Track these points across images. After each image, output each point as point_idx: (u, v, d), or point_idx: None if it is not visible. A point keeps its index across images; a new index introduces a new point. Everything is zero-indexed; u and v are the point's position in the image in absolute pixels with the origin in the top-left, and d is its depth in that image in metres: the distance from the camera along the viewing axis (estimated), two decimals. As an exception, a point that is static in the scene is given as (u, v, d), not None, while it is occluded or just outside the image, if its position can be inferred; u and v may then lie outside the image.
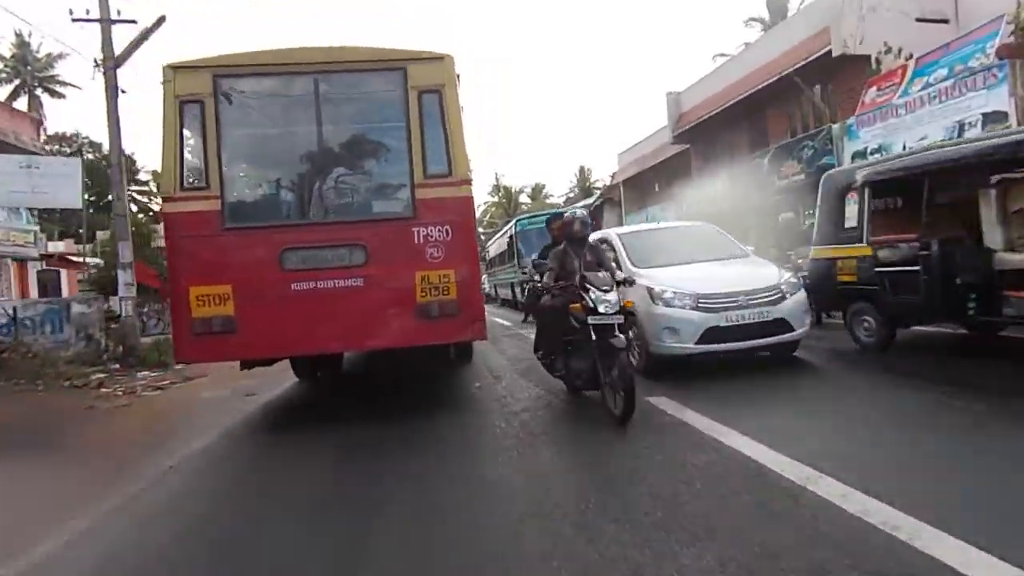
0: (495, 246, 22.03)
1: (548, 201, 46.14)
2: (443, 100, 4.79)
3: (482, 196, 49.56)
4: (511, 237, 17.16)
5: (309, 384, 7.00)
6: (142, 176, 35.83)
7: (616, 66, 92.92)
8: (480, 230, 44.93)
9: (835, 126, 12.33)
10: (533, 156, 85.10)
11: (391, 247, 4.73)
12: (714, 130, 17.82)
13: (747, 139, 17.13)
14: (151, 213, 31.95)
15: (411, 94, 4.76)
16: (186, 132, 4.75)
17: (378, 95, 4.95)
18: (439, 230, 4.75)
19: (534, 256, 10.21)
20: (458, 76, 4.91)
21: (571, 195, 44.92)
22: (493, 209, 48.19)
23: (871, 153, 10.80)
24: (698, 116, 17.96)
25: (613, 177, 27.05)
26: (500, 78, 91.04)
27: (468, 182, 4.92)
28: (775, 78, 14.03)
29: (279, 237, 4.74)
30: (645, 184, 24.33)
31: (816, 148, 12.75)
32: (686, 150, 20.29)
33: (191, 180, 4.75)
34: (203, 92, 4.70)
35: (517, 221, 17.22)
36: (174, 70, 4.80)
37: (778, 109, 15.60)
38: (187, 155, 4.74)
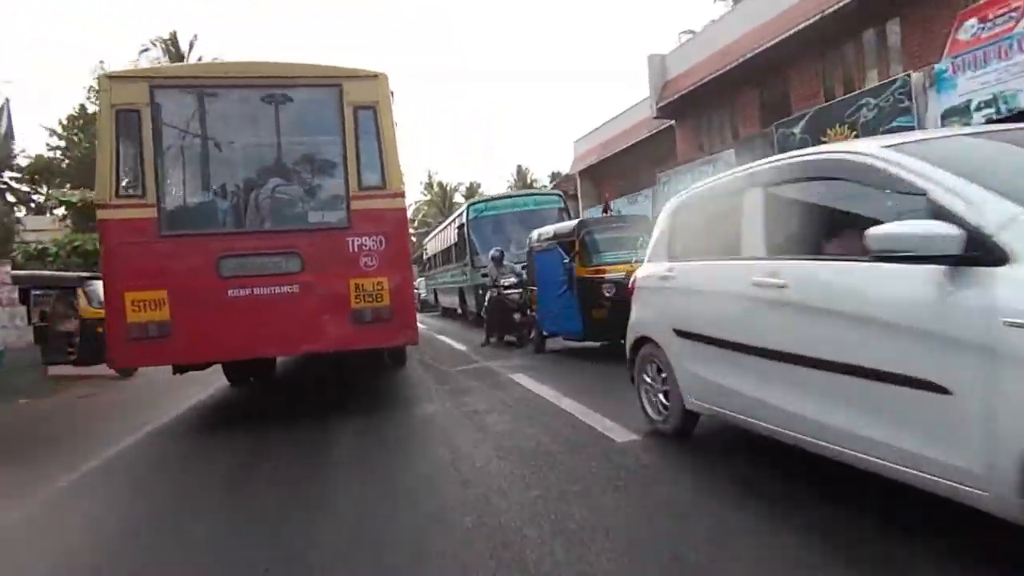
0: (436, 241, 18.67)
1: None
2: (378, 116, 5.04)
3: (414, 195, 48.63)
4: (461, 228, 13.45)
5: (239, 388, 7.12)
6: (22, 161, 29.32)
7: (560, 59, 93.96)
8: (412, 229, 44.77)
9: (915, 74, 9.66)
10: (468, 154, 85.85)
11: (326, 255, 4.94)
12: (710, 99, 15.28)
13: (757, 108, 14.44)
14: (33, 205, 29.20)
15: (347, 110, 4.99)
16: (122, 141, 4.83)
17: (315, 110, 5.16)
18: (373, 240, 5.00)
19: (495, 251, 9.28)
20: (392, 93, 5.17)
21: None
22: (426, 208, 47.54)
23: (979, 108, 8.56)
24: (691, 82, 15.13)
25: (572, 167, 24.85)
26: (434, 72, 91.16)
27: (401, 194, 5.19)
28: (814, 19, 11.19)
29: (216, 244, 4.88)
30: (609, 174, 21.78)
31: (884, 107, 9.97)
32: (665, 130, 17.79)
33: (127, 188, 4.84)
34: (139, 102, 4.80)
35: (471, 206, 13.41)
36: (110, 79, 4.90)
37: (806, 66, 12.82)
38: (123, 163, 4.82)
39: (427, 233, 34.47)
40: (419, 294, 22.89)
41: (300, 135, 5.27)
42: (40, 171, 27.90)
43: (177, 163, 5.08)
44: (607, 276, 6.56)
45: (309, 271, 4.89)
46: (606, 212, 16.47)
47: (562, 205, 13.19)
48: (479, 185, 49.34)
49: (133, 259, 4.76)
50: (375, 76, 5.09)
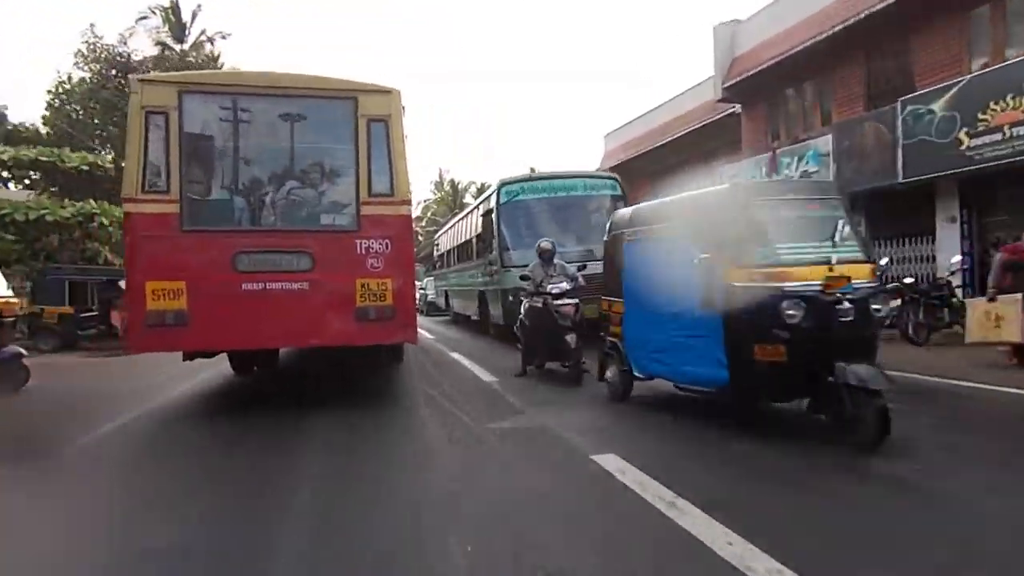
0: (451, 235, 15.60)
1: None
2: (389, 129, 5.42)
3: (424, 193, 47.85)
4: (489, 216, 10.54)
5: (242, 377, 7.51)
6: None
7: (574, 57, 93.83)
8: (420, 227, 43.46)
9: None
10: (479, 154, 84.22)
11: (335, 256, 5.31)
12: (797, 75, 12.75)
13: (862, 84, 11.71)
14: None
15: (360, 121, 5.37)
16: (150, 140, 5.18)
17: (330, 120, 5.52)
18: (379, 243, 5.37)
19: (546, 242, 6.92)
20: (404, 108, 5.55)
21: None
22: (436, 206, 46.19)
23: None
24: (774, 55, 12.52)
25: (601, 163, 21.71)
26: (443, 71, 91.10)
27: (408, 202, 5.57)
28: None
29: (233, 241, 5.25)
30: (645, 172, 19.04)
31: None
32: (718, 122, 15.49)
33: (152, 184, 5.19)
34: (168, 105, 5.17)
35: (504, 188, 10.21)
36: (141, 83, 5.27)
37: (943, 25, 10.11)
38: (151, 161, 5.17)
39: (436, 231, 33.92)
40: (425, 295, 21.36)
41: (316, 143, 5.63)
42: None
43: (200, 163, 5.42)
44: (788, 286, 3.81)
45: (319, 270, 5.26)
46: (772, 173, 12.20)
47: (619, 191, 10.25)
48: (489, 186, 48.05)
49: (155, 251, 5.11)
50: (388, 91, 5.47)
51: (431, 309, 20.53)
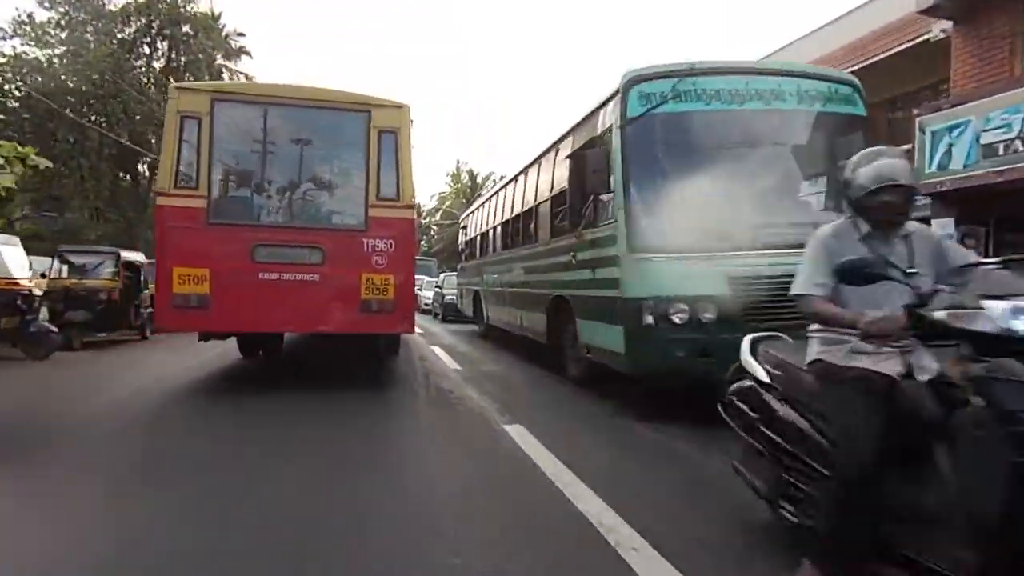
0: (491, 209, 10.65)
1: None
2: (398, 140, 6.01)
3: (439, 186, 46.17)
4: (595, 150, 5.38)
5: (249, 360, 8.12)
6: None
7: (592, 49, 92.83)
8: (433, 221, 43.43)
9: None
10: (501, 143, 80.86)
11: (344, 252, 5.88)
12: None
13: None
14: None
15: (372, 132, 5.97)
16: (184, 141, 5.78)
17: (345, 130, 6.11)
18: (385, 243, 5.95)
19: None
20: (412, 121, 6.15)
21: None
22: (452, 198, 44.39)
23: None
24: None
25: None
26: (460, 61, 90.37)
27: (412, 206, 6.16)
28: None
29: (253, 234, 5.83)
30: None
31: None
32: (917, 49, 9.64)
33: (183, 180, 5.79)
34: (201, 110, 5.77)
35: (637, 88, 5.00)
36: (179, 90, 5.89)
37: None
38: (183, 160, 5.77)
39: (452, 224, 32.17)
40: (440, 295, 17.91)
41: (331, 149, 6.24)
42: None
43: (226, 163, 6.02)
44: None
45: (329, 264, 5.84)
46: None
47: (860, 107, 5.38)
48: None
49: (183, 240, 5.69)
50: (399, 106, 6.07)
51: (449, 312, 16.26)
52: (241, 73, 28.18)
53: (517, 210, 8.67)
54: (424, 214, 45.97)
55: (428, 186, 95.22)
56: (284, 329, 6.54)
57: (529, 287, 7.79)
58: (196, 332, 6.42)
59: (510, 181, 9.47)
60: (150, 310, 11.88)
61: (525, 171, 8.37)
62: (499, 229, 9.82)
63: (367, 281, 5.90)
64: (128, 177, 26.06)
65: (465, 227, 13.91)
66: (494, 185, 11.24)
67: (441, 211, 42.83)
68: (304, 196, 6.14)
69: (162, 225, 5.81)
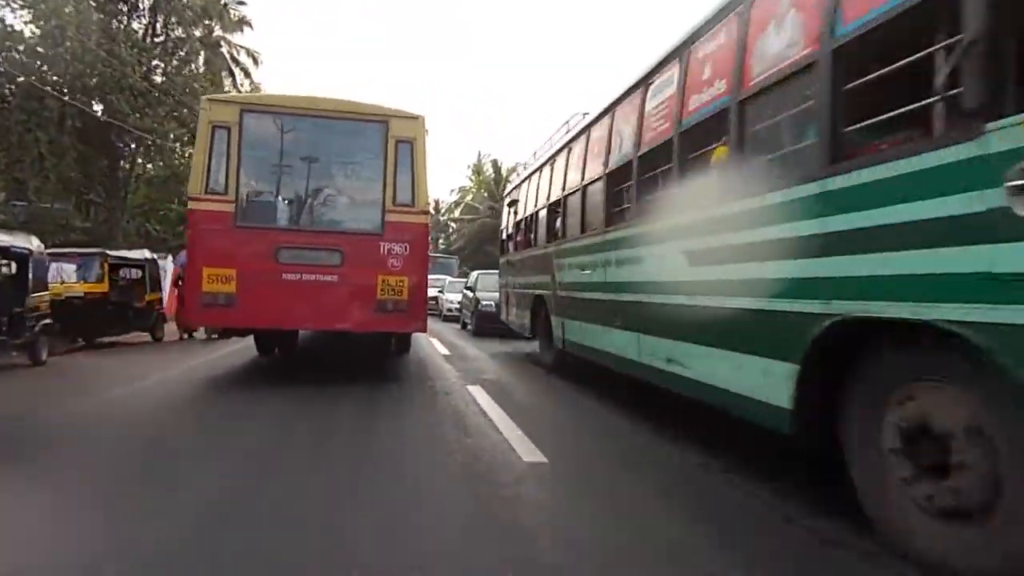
0: (567, 162, 6.95)
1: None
2: (414, 149, 6.36)
3: (460, 180, 45.33)
4: None
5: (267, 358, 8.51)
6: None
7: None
8: (454, 215, 42.36)
9: None
10: (525, 133, 77.62)
11: (362, 254, 6.23)
12: None
13: None
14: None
15: (390, 141, 6.31)
16: (214, 149, 6.18)
17: (365, 139, 6.47)
18: (400, 246, 6.28)
19: None
20: (427, 131, 6.49)
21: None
22: (475, 191, 41.66)
23: None
24: None
25: None
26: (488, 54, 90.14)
27: (426, 212, 6.50)
28: None
29: (277, 237, 6.21)
30: None
31: None
32: None
33: (213, 186, 6.18)
34: (231, 121, 6.17)
35: None
36: (210, 102, 6.29)
37: None
38: (213, 167, 6.17)
39: (474, 219, 32.53)
40: (476, 300, 13.35)
41: (351, 157, 6.60)
42: None
43: (253, 170, 6.40)
44: None
45: (347, 265, 6.19)
46: None
47: None
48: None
49: (213, 242, 6.08)
50: (415, 117, 6.42)
51: (485, 324, 12.49)
52: (242, 47, 24.95)
53: (639, 149, 4.79)
54: (443, 210, 45.79)
55: (447, 180, 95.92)
56: (304, 327, 6.92)
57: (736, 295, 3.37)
58: (221, 328, 6.80)
59: (617, 107, 5.44)
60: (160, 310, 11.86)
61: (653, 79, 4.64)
62: (604, 192, 5.62)
63: (383, 282, 6.24)
64: (105, 160, 20.18)
65: (514, 203, 9.72)
66: (569, 132, 7.03)
67: (462, 205, 41.58)
68: (324, 201, 6.50)
69: (193, 228, 6.21)
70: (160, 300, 12.18)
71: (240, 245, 6.10)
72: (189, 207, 6.28)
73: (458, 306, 16.93)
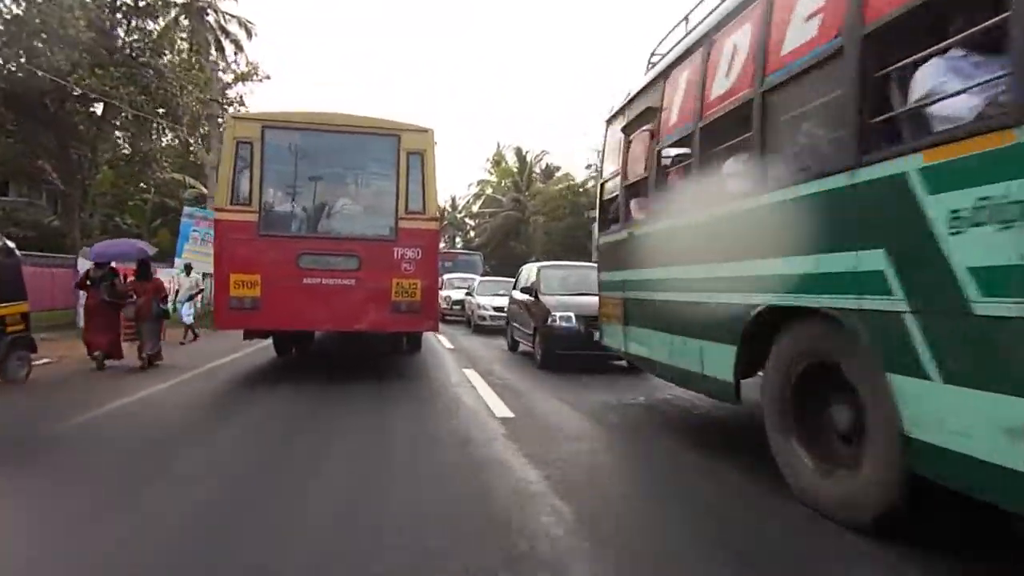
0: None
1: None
2: (424, 160, 6.79)
3: (479, 175, 42.43)
4: None
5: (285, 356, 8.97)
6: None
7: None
8: (473, 211, 41.05)
9: None
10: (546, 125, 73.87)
11: (377, 259, 6.67)
12: None
13: None
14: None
15: (402, 153, 6.75)
16: (238, 163, 6.63)
17: (378, 151, 6.90)
18: (412, 251, 6.72)
19: None
20: (436, 143, 6.93)
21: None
22: (496, 182, 39.53)
23: None
24: None
25: None
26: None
27: (436, 219, 6.93)
28: None
29: (298, 244, 6.66)
30: None
31: None
32: None
33: (238, 198, 6.64)
34: (253, 137, 6.62)
35: None
36: (234, 119, 6.78)
37: None
38: (238, 180, 6.62)
39: (497, 212, 32.89)
40: (544, 316, 8.06)
41: (365, 169, 7.04)
42: None
43: (275, 182, 6.86)
44: None
45: (364, 269, 6.63)
46: None
47: None
48: (557, 169, 37.31)
49: (238, 250, 6.54)
50: (425, 130, 6.85)
51: (555, 348, 8.00)
52: (232, 16, 22.68)
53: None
54: (459, 207, 45.47)
55: (463, 176, 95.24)
56: (324, 328, 7.37)
57: None
58: (244, 330, 7.28)
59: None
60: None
61: None
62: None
63: (397, 285, 6.68)
64: (53, 136, 16.31)
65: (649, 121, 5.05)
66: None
67: (483, 198, 40.31)
68: (341, 210, 6.95)
69: (220, 237, 6.67)
70: (24, 314, 7.33)
71: (264, 252, 6.55)
72: (216, 217, 6.75)
73: (497, 315, 12.65)
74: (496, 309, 12.98)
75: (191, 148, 21.45)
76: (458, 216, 46.43)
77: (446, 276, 17.30)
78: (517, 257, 30.27)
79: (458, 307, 16.40)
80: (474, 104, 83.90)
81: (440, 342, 11.10)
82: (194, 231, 16.31)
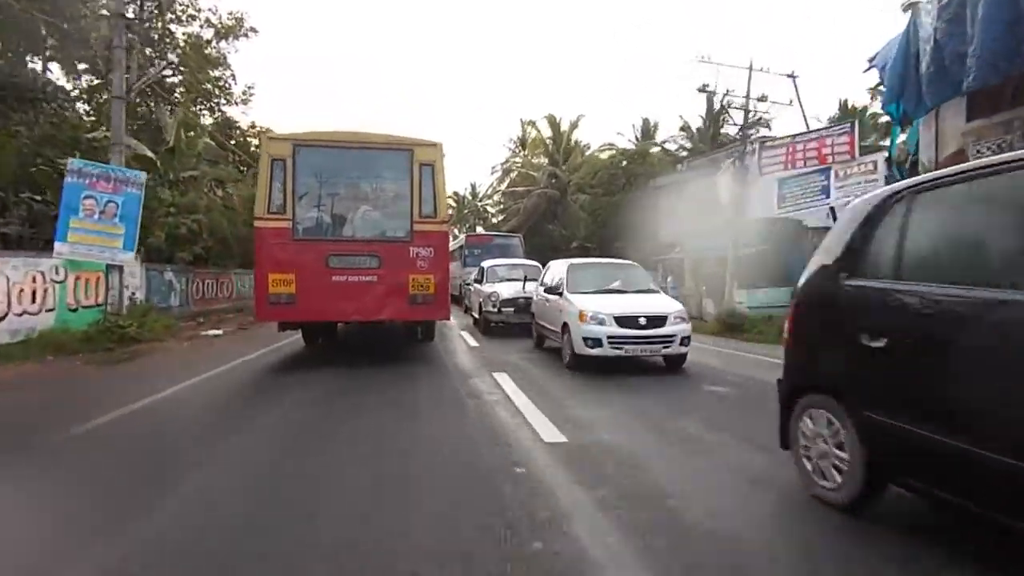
0: None
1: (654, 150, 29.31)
2: (434, 170, 7.76)
3: (500, 157, 39.91)
4: None
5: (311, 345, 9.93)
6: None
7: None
8: (498, 194, 38.25)
9: None
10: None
11: (395, 258, 7.64)
12: None
13: None
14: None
15: (415, 165, 7.73)
16: (273, 177, 7.65)
17: (394, 164, 7.87)
18: (426, 250, 7.69)
19: None
20: (444, 155, 7.91)
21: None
22: (525, 159, 35.69)
23: None
24: None
25: None
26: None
27: (446, 222, 7.90)
28: None
29: (326, 246, 7.65)
30: None
31: None
32: None
33: (274, 208, 7.65)
34: (286, 154, 7.63)
35: None
36: (268, 139, 7.79)
37: None
38: (273, 192, 7.64)
39: (530, 190, 30.39)
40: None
41: (383, 179, 8.02)
42: None
43: (305, 193, 7.87)
44: None
45: (384, 267, 7.61)
46: None
47: None
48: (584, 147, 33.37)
49: (275, 253, 7.54)
50: (435, 144, 7.83)
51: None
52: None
53: None
54: (479, 195, 45.55)
55: (482, 162, 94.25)
56: (351, 319, 8.38)
57: None
58: (279, 322, 8.29)
59: None
60: None
61: None
62: None
63: (413, 280, 7.65)
64: None
65: None
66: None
67: (509, 179, 36.27)
68: (363, 216, 7.94)
69: (260, 242, 7.68)
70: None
71: (297, 254, 7.55)
72: (256, 225, 7.76)
73: (611, 337, 7.36)
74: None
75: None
76: (478, 204, 45.67)
77: (486, 264, 13.52)
78: (555, 243, 27.32)
79: (514, 308, 11.16)
80: (495, 79, 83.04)
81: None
82: (87, 197, 10.57)
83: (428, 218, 7.74)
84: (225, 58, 22.89)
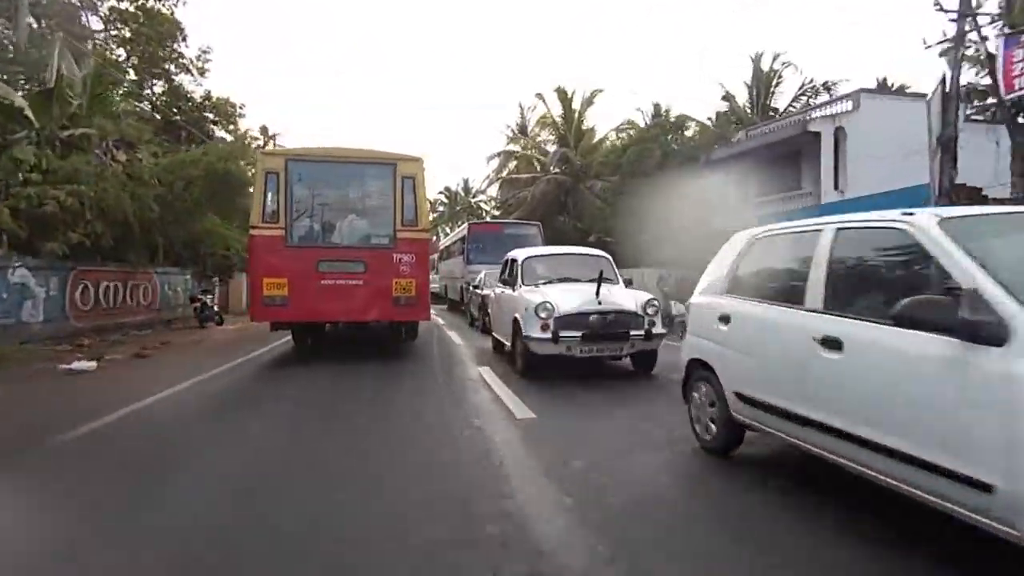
0: None
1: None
2: (416, 182, 8.45)
3: (498, 147, 34.66)
4: None
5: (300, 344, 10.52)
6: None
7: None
8: (493, 190, 34.95)
9: None
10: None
11: (380, 263, 8.32)
12: None
13: None
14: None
15: (398, 178, 8.41)
16: (267, 189, 8.32)
17: (379, 177, 8.55)
18: (408, 256, 8.38)
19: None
20: (424, 169, 8.61)
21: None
22: (522, 148, 31.99)
23: None
24: None
25: None
26: None
27: (427, 230, 8.61)
28: None
29: (316, 253, 8.32)
30: None
31: None
32: None
33: (268, 217, 8.31)
34: (278, 168, 8.30)
35: None
36: (263, 155, 8.49)
37: None
38: (267, 203, 8.30)
39: (543, 173, 26.48)
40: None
41: (369, 191, 8.71)
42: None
43: (297, 203, 8.54)
44: None
45: (369, 272, 8.28)
46: None
47: None
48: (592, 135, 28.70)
49: (269, 258, 8.20)
50: (416, 159, 8.53)
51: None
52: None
53: None
54: (472, 191, 44.65)
55: (478, 151, 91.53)
56: (339, 319, 9.06)
57: None
58: (272, 322, 8.94)
59: None
60: None
61: None
62: None
63: (396, 283, 8.34)
64: None
65: None
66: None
67: (511, 164, 32.57)
68: (350, 224, 8.63)
69: (254, 248, 8.34)
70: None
71: (290, 260, 8.22)
72: (251, 233, 8.43)
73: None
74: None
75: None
76: (472, 201, 44.47)
77: (519, 255, 8.59)
78: (568, 238, 21.91)
79: (582, 332, 6.59)
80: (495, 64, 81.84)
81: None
82: None
83: (410, 226, 8.43)
84: (172, 13, 20.60)
